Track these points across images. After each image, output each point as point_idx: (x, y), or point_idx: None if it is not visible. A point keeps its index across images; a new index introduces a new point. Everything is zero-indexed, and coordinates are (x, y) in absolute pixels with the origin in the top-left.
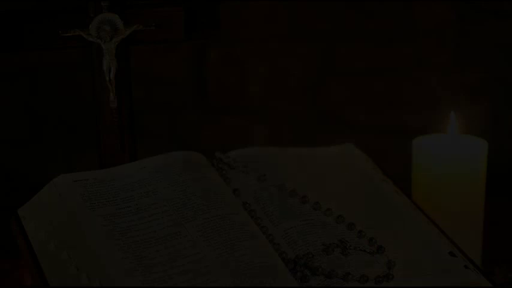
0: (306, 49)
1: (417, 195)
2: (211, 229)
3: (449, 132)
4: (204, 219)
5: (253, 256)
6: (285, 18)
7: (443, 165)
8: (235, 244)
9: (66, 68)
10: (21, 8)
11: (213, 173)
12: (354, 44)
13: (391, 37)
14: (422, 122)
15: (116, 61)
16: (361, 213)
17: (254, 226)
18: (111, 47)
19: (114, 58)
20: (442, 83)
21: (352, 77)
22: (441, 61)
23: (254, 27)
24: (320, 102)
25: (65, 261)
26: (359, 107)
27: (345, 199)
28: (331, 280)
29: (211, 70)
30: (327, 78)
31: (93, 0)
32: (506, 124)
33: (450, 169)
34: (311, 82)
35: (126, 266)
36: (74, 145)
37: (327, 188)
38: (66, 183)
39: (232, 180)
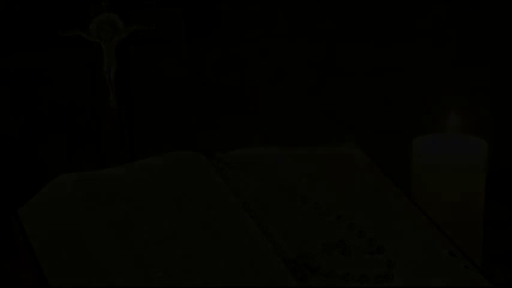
0: (306, 49)
1: (417, 195)
2: (211, 229)
3: (449, 132)
4: (204, 219)
5: (253, 256)
6: (285, 18)
7: (443, 165)
8: (235, 244)
9: (66, 67)
10: (21, 8)
11: (213, 173)
12: (354, 44)
13: (391, 37)
14: (422, 122)
15: (116, 61)
16: (361, 213)
17: (254, 226)
18: (111, 47)
19: (114, 58)
20: (442, 82)
21: (352, 77)
22: (441, 61)
23: (254, 27)
24: (320, 102)
25: (65, 261)
26: (359, 107)
27: (345, 199)
28: (331, 280)
29: (211, 70)
30: (327, 78)
31: (93, 0)
32: (506, 124)
33: (450, 169)
34: (311, 82)
35: (126, 266)
36: (74, 145)
37: (327, 188)
38: (67, 183)
39: (232, 180)
